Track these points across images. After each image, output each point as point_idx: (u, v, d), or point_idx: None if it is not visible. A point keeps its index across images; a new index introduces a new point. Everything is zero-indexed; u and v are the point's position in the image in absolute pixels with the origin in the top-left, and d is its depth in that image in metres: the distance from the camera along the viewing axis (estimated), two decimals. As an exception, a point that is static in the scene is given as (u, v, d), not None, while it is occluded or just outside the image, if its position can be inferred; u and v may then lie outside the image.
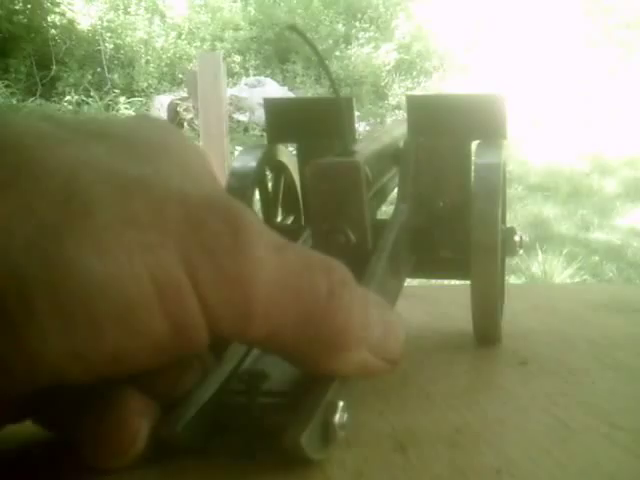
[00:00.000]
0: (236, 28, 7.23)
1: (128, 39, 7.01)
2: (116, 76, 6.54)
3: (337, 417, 0.26)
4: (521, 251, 0.42)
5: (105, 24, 7.07)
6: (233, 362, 0.29)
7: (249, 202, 0.42)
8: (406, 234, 0.40)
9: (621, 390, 0.35)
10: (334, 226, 0.36)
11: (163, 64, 6.78)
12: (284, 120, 0.46)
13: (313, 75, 6.67)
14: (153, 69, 6.66)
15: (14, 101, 5.76)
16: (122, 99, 6.12)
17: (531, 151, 5.61)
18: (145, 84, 6.47)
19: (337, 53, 6.93)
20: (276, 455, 0.26)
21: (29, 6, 6.58)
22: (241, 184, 0.42)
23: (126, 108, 6.01)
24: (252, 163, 0.43)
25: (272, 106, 0.46)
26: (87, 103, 5.99)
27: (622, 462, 0.26)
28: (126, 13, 7.24)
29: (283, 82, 6.65)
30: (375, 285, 0.33)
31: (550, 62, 6.70)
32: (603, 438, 0.29)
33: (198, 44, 7.08)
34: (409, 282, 0.42)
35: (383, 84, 6.91)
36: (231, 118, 5.31)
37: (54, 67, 6.33)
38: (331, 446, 0.26)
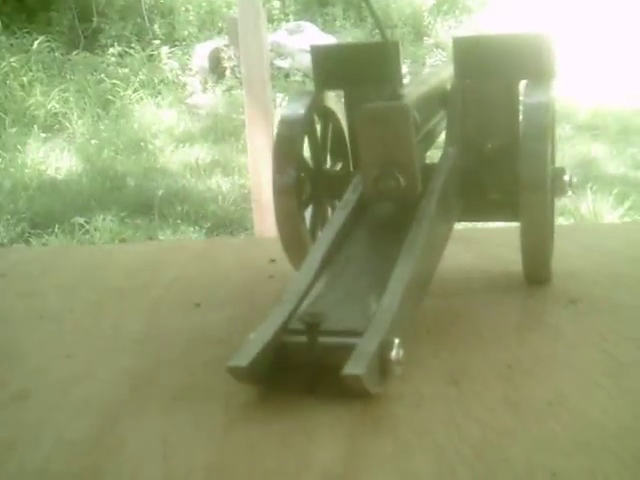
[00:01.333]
0: (274, -28, 7.10)
1: (167, -13, 6.95)
2: (156, 26, 6.51)
3: (394, 353, 0.27)
4: (570, 192, 0.42)
5: (143, -27, 7.01)
6: (292, 303, 0.30)
7: (299, 149, 0.43)
8: (455, 177, 0.40)
9: (671, 326, 0.35)
10: (384, 170, 0.37)
11: (203, 12, 6.71)
12: (331, 67, 0.46)
13: (353, 17, 6.54)
14: (193, 17, 6.60)
15: (58, 54, 5.80)
16: (164, 49, 6.10)
17: (579, 89, 5.46)
18: (185, 32, 6.43)
19: (377, -5, 6.77)
20: (336, 390, 0.27)
21: (68, -42, 6.56)
22: (291, 132, 0.43)
23: (169, 57, 5.99)
24: (301, 110, 0.44)
25: (319, 53, 0.46)
26: (130, 54, 5.98)
27: (672, 394, 0.27)
28: (164, -39, 7.15)
29: (323, 26, 6.54)
30: (425, 229, 0.34)
31: (598, -3, 6.46)
32: (653, 372, 0.29)
33: (237, -10, 6.98)
34: (455, 226, 0.42)
35: (425, 23, 6.75)
36: (272, 65, 5.26)
37: (95, 19, 6.33)
38: (388, 380, 0.27)
